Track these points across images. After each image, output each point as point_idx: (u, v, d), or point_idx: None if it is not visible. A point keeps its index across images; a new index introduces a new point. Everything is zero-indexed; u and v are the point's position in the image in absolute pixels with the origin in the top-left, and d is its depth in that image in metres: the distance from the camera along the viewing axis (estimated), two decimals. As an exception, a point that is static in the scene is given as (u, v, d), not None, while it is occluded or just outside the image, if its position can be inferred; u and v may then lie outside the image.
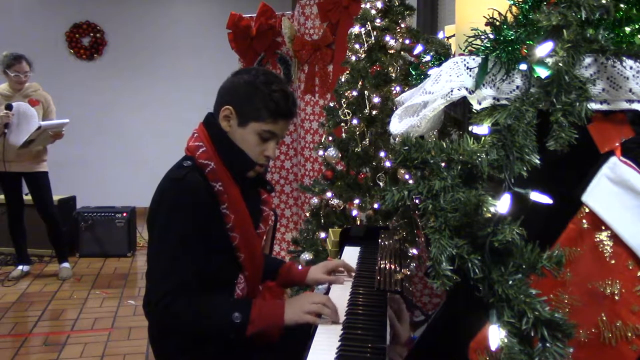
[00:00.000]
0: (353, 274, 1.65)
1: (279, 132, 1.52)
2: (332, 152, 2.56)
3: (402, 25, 2.57)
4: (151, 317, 1.48)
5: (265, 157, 1.52)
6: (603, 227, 0.85)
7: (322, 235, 2.56)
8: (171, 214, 1.41)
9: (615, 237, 0.84)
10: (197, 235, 1.41)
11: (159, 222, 1.44)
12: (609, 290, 0.84)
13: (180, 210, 1.40)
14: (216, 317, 1.38)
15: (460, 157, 0.80)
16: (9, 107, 3.91)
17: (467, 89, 0.88)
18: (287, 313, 1.37)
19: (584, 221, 0.86)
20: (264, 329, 1.37)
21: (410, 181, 0.83)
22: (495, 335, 0.73)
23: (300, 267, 2.25)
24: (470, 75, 0.88)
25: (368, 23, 2.55)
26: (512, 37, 0.85)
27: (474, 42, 0.89)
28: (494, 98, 0.87)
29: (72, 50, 6.58)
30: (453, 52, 1.31)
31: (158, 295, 1.36)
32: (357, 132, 2.51)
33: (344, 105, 2.56)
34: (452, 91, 0.88)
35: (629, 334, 0.83)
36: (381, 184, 2.43)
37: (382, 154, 2.41)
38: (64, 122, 4.09)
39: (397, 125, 1.02)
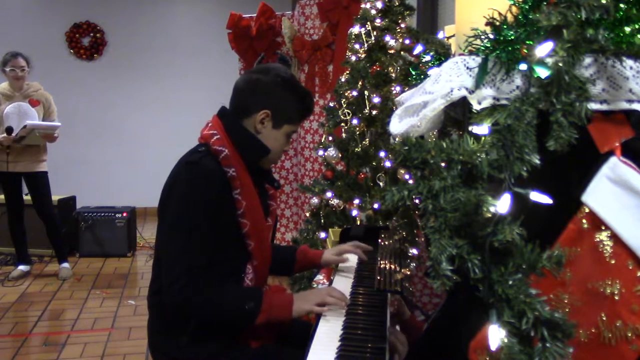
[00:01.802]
0: (366, 254, 1.74)
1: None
2: (332, 152, 2.56)
3: (402, 25, 2.58)
4: (163, 299, 1.46)
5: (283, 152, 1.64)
6: (603, 227, 0.85)
7: (322, 235, 2.56)
8: (185, 196, 1.44)
9: (615, 237, 0.84)
10: (210, 219, 1.43)
11: (172, 205, 1.45)
12: (609, 290, 0.84)
13: (194, 193, 1.43)
14: (228, 302, 1.41)
15: (460, 157, 0.79)
16: (9, 131, 3.90)
17: (467, 89, 0.88)
18: (295, 305, 1.42)
19: (584, 221, 0.86)
20: (271, 320, 1.41)
21: (410, 181, 0.83)
22: (495, 335, 0.73)
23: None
24: (470, 75, 0.88)
25: (368, 23, 2.55)
26: (512, 37, 0.85)
27: (474, 42, 0.89)
28: (494, 98, 0.87)
29: (72, 50, 6.58)
30: (453, 52, 1.31)
31: (171, 277, 1.38)
32: (357, 132, 2.51)
33: (344, 105, 2.56)
34: (452, 91, 0.88)
35: (629, 334, 0.83)
36: (381, 184, 2.43)
37: (382, 154, 2.41)
38: (55, 125, 4.07)
39: (397, 125, 1.02)
